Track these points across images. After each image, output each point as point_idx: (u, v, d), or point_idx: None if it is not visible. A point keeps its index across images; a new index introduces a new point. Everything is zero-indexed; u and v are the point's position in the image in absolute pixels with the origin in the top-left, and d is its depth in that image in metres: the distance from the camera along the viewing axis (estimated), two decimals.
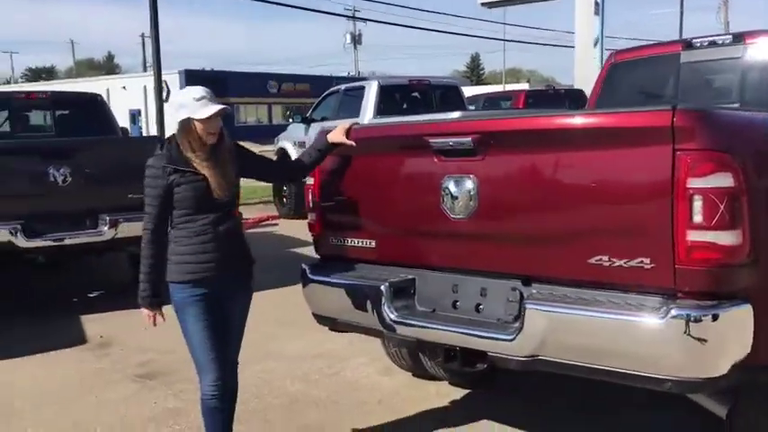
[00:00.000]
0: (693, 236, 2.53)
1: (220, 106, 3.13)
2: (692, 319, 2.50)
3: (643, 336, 2.59)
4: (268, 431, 4.05)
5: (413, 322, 3.23)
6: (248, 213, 12.65)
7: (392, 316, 3.27)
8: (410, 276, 3.38)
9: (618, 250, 2.71)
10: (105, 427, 4.18)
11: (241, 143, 3.52)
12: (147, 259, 3.23)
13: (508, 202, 3.00)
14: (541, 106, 12.53)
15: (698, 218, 2.51)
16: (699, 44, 5.11)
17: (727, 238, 2.51)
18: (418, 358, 4.44)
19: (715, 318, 2.51)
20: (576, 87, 15.21)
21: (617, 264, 2.71)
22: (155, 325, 3.28)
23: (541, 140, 2.87)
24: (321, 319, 3.77)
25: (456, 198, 3.10)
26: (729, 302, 2.54)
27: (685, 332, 2.51)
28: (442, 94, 11.59)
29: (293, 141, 12.60)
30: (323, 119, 12.16)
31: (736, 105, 4.84)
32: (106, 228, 6.65)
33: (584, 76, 17.46)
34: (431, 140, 3.13)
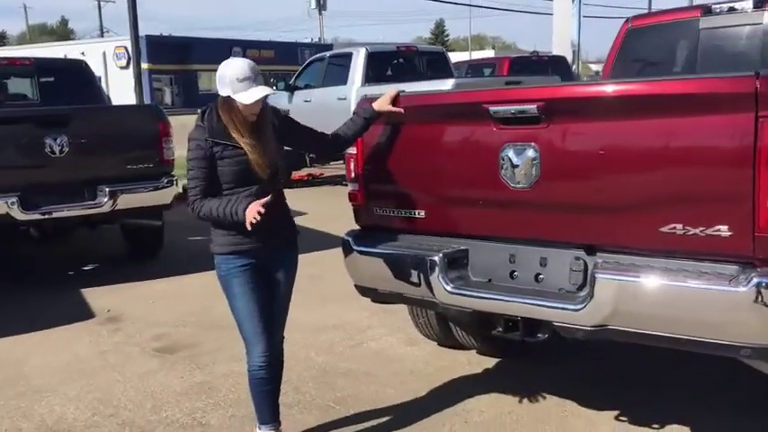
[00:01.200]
0: None
1: (265, 91, 3.04)
2: None
3: (722, 304, 2.59)
4: (304, 403, 3.99)
5: (470, 293, 3.20)
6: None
7: (448, 287, 3.23)
8: (463, 247, 3.33)
9: (693, 218, 2.69)
10: (134, 403, 4.08)
11: None
12: (215, 208, 3.07)
13: (574, 171, 2.95)
14: (526, 73, 12.49)
15: None
16: (718, 10, 5.09)
17: None
18: (448, 328, 4.42)
19: None
20: (556, 54, 15.23)
21: (691, 232, 2.70)
22: (263, 208, 2.95)
23: (612, 108, 2.82)
24: (364, 290, 3.72)
25: (517, 167, 3.05)
26: None
27: (767, 299, 2.51)
28: (429, 61, 11.48)
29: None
30: (306, 86, 11.97)
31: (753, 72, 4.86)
32: (105, 199, 6.46)
33: (563, 43, 17.59)
34: (490, 108, 3.06)
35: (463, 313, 3.25)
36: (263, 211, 2.93)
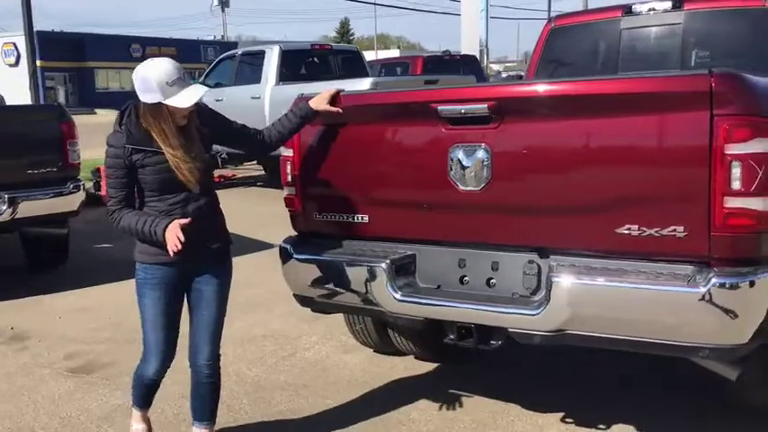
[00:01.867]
0: (731, 202, 2.52)
1: (201, 90, 2.86)
2: (732, 286, 2.50)
3: (681, 305, 2.57)
4: (240, 422, 3.76)
5: (421, 301, 3.07)
6: None
7: (397, 295, 3.09)
8: (410, 252, 3.20)
9: (649, 219, 2.66)
10: (49, 430, 3.74)
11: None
12: (134, 223, 2.91)
13: (526, 173, 2.87)
14: (439, 72, 12.52)
15: (736, 184, 2.50)
16: (638, 10, 5.19)
17: (760, 203, 2.51)
18: (386, 335, 4.28)
19: (752, 284, 2.52)
20: (467, 53, 15.38)
21: (647, 233, 2.67)
22: (183, 234, 2.81)
23: (566, 107, 2.75)
24: (304, 300, 3.52)
25: (466, 168, 2.94)
26: (762, 268, 2.55)
27: (726, 299, 2.50)
28: (344, 60, 11.31)
29: None
30: (217, 85, 11.57)
31: (676, 71, 4.97)
32: (4, 207, 5.95)
33: (471, 43, 17.85)
34: (439, 107, 2.94)
35: (414, 322, 3.11)
36: (182, 238, 2.77)
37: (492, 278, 3.05)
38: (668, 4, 5.09)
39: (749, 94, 2.52)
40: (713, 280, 2.51)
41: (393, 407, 3.83)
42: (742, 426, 3.40)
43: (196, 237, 2.89)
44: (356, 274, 3.22)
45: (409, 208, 3.17)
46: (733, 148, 2.48)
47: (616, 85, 2.74)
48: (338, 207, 3.35)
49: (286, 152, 3.44)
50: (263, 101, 10.26)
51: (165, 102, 2.78)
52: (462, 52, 16.66)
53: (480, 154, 2.90)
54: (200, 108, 3.01)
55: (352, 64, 11.27)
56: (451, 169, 2.97)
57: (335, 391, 4.07)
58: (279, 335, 5.04)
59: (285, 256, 3.45)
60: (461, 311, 2.97)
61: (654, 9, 5.13)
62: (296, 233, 3.60)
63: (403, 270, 3.17)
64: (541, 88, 2.82)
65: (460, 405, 3.81)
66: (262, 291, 6.05)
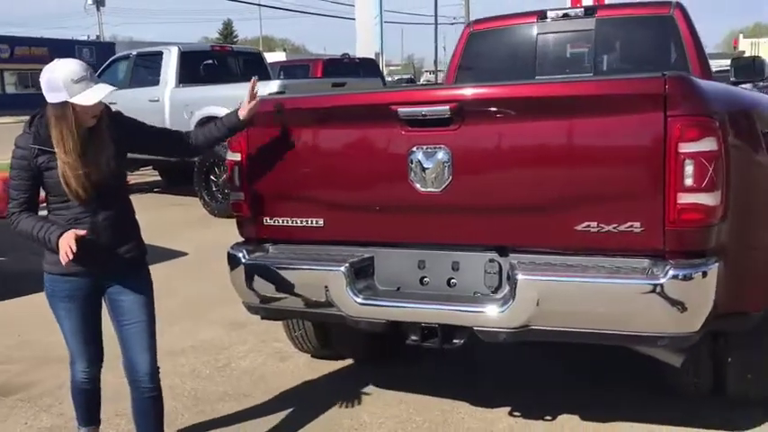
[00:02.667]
0: (684, 198, 2.66)
1: (107, 88, 2.77)
2: (687, 276, 2.65)
3: (643, 296, 2.69)
4: None
5: (384, 303, 3.06)
6: None
7: (358, 299, 3.06)
8: (367, 255, 3.18)
9: (607, 216, 2.77)
10: None
11: None
12: (31, 227, 2.82)
13: (487, 173, 2.92)
14: (339, 75, 12.53)
15: (688, 181, 2.65)
16: (553, 16, 5.41)
17: (711, 198, 2.68)
18: (326, 339, 4.24)
19: (704, 275, 2.68)
20: (365, 57, 15.48)
21: (606, 229, 2.78)
22: (77, 243, 2.69)
23: (525, 109, 2.82)
24: (255, 308, 3.42)
25: (426, 170, 2.96)
26: (713, 259, 2.72)
27: (682, 289, 2.65)
28: (245, 62, 11.09)
29: None
30: None
31: (589, 75, 5.23)
32: None
33: (367, 48, 18.00)
34: (399, 109, 2.94)
35: (375, 325, 3.09)
36: (74, 248, 2.65)
37: (452, 278, 3.08)
38: (581, 11, 5.34)
39: (699, 96, 2.68)
40: (671, 272, 2.65)
41: (342, 412, 3.80)
42: (673, 411, 3.61)
43: (106, 247, 2.87)
44: (313, 279, 3.17)
45: (367, 210, 3.15)
46: (686, 147, 2.63)
47: (574, 88, 2.84)
48: (291, 211, 3.28)
49: (232, 155, 3.33)
50: (162, 103, 9.90)
51: (70, 100, 2.69)
52: (358, 56, 16.74)
53: (441, 155, 2.93)
54: (115, 113, 2.98)
55: (253, 66, 11.04)
56: (411, 171, 2.98)
57: (279, 400, 3.99)
58: (209, 345, 4.88)
59: (234, 263, 3.35)
60: (427, 312, 2.99)
61: (568, 15, 5.36)
62: (243, 239, 3.48)
63: (362, 273, 3.14)
64: (504, 90, 2.88)
65: (410, 406, 3.83)
66: (179, 300, 5.84)
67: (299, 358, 4.52)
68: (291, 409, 3.85)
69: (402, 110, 2.93)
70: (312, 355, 4.49)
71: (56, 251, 2.71)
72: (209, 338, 5.00)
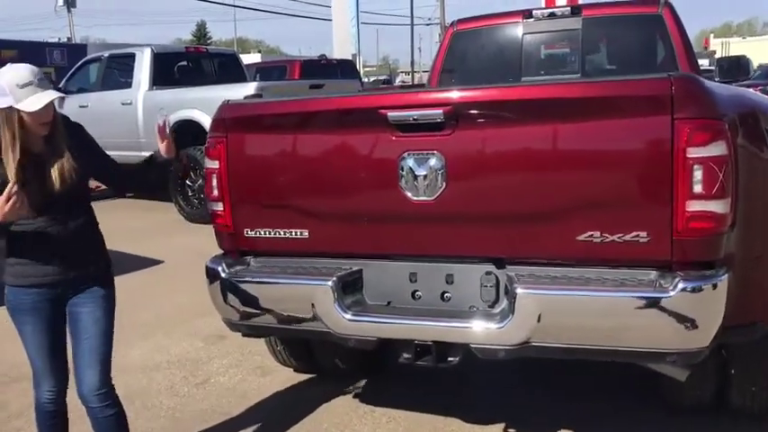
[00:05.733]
0: (693, 206, 2.51)
1: (53, 94, 2.63)
2: (697, 289, 2.50)
3: (651, 311, 2.53)
4: None
5: (375, 319, 2.87)
6: None
7: (347, 315, 2.87)
8: (356, 268, 3.00)
9: (611, 225, 2.62)
10: None
11: None
12: None
13: (484, 180, 2.75)
14: (317, 76, 12.32)
15: (698, 187, 2.50)
16: (539, 15, 5.27)
17: (721, 206, 2.53)
18: (310, 354, 4.05)
19: (714, 287, 2.53)
20: (343, 58, 15.30)
21: (609, 239, 2.62)
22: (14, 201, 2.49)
23: (524, 112, 2.66)
24: (235, 325, 3.22)
25: (418, 178, 2.78)
26: (722, 270, 2.57)
27: (692, 303, 2.50)
28: (220, 63, 10.85)
29: None
30: (80, 90, 10.75)
31: (577, 76, 5.10)
32: None
33: (343, 49, 17.83)
34: (389, 114, 2.76)
35: (365, 342, 2.91)
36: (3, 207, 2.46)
37: (446, 292, 2.91)
38: (567, 10, 5.21)
39: (708, 98, 2.53)
40: (680, 284, 2.49)
41: (330, 429, 3.61)
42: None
43: (70, 258, 2.78)
44: (298, 295, 2.98)
45: (355, 221, 2.97)
46: (694, 152, 2.48)
47: (576, 90, 2.68)
48: (274, 222, 3.08)
49: (211, 163, 3.13)
50: (135, 106, 9.63)
51: (15, 106, 2.56)
52: (335, 57, 16.55)
53: (433, 162, 2.76)
54: (74, 123, 2.88)
55: (229, 68, 10.82)
56: (402, 179, 2.80)
57: (263, 417, 3.79)
58: (185, 360, 4.66)
59: (213, 277, 3.14)
60: (421, 328, 2.80)
61: (554, 14, 5.22)
62: (222, 251, 3.28)
63: (349, 287, 2.96)
64: (500, 93, 2.71)
65: (398, 422, 3.66)
66: (153, 312, 5.62)
67: (281, 373, 4.32)
68: (275, 428, 3.67)
69: (392, 114, 2.75)
70: (294, 370, 4.30)
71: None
72: (185, 352, 4.79)
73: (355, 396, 4.00)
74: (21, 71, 2.60)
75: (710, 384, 3.23)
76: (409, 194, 2.81)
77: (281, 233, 3.08)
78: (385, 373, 4.21)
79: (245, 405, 3.96)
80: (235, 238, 3.18)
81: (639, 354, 2.63)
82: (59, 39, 54.14)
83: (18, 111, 2.57)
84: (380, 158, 2.84)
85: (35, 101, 2.57)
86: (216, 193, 3.13)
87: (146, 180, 3.11)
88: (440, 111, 2.68)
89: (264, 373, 4.37)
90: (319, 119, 2.98)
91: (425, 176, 2.77)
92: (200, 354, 4.76)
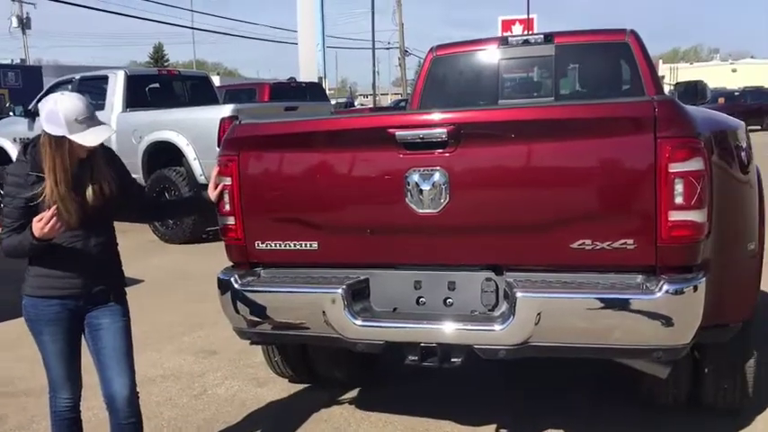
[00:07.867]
0: (674, 216, 2.79)
1: (109, 129, 2.88)
2: (680, 291, 2.77)
3: (639, 311, 2.79)
4: None
5: (383, 325, 3.08)
6: None
7: (357, 321, 3.07)
8: (363, 277, 3.20)
9: (601, 234, 2.87)
10: None
11: None
12: (17, 239, 2.81)
13: (484, 194, 2.99)
14: (286, 99, 12.52)
15: (679, 199, 2.78)
16: (515, 42, 5.58)
17: (699, 215, 2.81)
18: (306, 364, 4.22)
19: (695, 288, 2.80)
20: (311, 81, 15.55)
21: (599, 247, 2.88)
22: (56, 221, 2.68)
23: (522, 131, 2.91)
24: (247, 334, 3.38)
25: (423, 192, 3.01)
26: (701, 273, 2.85)
27: (676, 303, 2.77)
28: (193, 86, 10.97)
29: (14, 137, 10.92)
30: None
31: (551, 99, 5.41)
32: None
33: (309, 72, 18.10)
34: (396, 133, 2.99)
35: (374, 346, 3.11)
36: (44, 227, 2.65)
37: (449, 297, 3.12)
38: (540, 38, 5.52)
39: (686, 119, 2.82)
40: (665, 287, 2.76)
41: None
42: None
43: (93, 272, 2.92)
44: (310, 302, 3.17)
45: (363, 233, 3.17)
46: (675, 167, 2.76)
47: (569, 111, 2.95)
48: (284, 235, 3.27)
49: (223, 179, 3.31)
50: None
51: (69, 137, 2.75)
52: (302, 80, 16.81)
53: (437, 177, 2.99)
54: (107, 149, 3.05)
55: (200, 90, 10.96)
56: (408, 193, 3.03)
57: (265, 424, 3.96)
58: (180, 374, 4.78)
59: (225, 288, 3.31)
60: (427, 332, 3.02)
61: (528, 41, 5.53)
62: (233, 264, 3.45)
63: (358, 295, 3.16)
64: (499, 114, 2.97)
65: (396, 428, 3.83)
66: (140, 329, 5.60)
67: (277, 384, 4.48)
68: None
69: (399, 133, 2.99)
70: (290, 380, 4.46)
71: (35, 242, 2.70)
72: (180, 367, 4.90)
73: (351, 402, 4.17)
74: (78, 106, 2.76)
75: (686, 384, 3.50)
76: (415, 207, 3.03)
77: (291, 245, 3.27)
78: (379, 380, 4.39)
79: (245, 413, 4.10)
80: (245, 251, 3.36)
81: (628, 350, 2.89)
82: (12, 60, 53.27)
83: (69, 140, 2.73)
84: (388, 174, 3.06)
85: (93, 137, 2.76)
86: (228, 208, 3.31)
87: (182, 215, 3.29)
88: (443, 130, 2.93)
89: (260, 384, 4.51)
90: (329, 138, 3.20)
91: (430, 191, 3.00)
92: (194, 367, 4.88)
